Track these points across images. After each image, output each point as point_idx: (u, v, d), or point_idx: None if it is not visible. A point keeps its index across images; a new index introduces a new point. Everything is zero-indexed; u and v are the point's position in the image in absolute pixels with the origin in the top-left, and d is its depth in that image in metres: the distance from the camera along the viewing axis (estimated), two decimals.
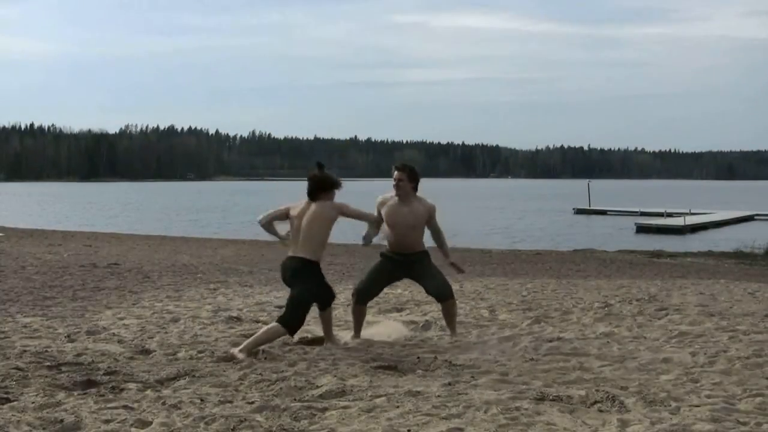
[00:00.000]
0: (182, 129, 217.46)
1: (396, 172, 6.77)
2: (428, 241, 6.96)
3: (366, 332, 7.01)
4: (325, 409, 4.60)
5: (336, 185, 6.49)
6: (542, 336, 7.06)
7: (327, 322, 6.70)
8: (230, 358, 5.93)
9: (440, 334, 7.24)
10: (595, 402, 4.74)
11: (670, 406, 4.71)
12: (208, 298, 9.56)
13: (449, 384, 5.21)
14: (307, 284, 6.31)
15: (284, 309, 6.34)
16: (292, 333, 6.33)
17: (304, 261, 6.33)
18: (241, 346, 6.12)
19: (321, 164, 6.56)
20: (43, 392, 4.91)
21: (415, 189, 6.81)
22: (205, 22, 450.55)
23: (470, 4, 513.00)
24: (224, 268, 13.71)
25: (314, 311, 8.37)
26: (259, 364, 5.81)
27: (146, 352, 6.27)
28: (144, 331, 7.18)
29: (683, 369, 5.76)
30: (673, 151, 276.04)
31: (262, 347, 6.17)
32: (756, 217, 46.56)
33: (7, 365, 5.58)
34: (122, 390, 5.01)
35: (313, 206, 6.39)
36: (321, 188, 6.44)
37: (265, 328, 6.37)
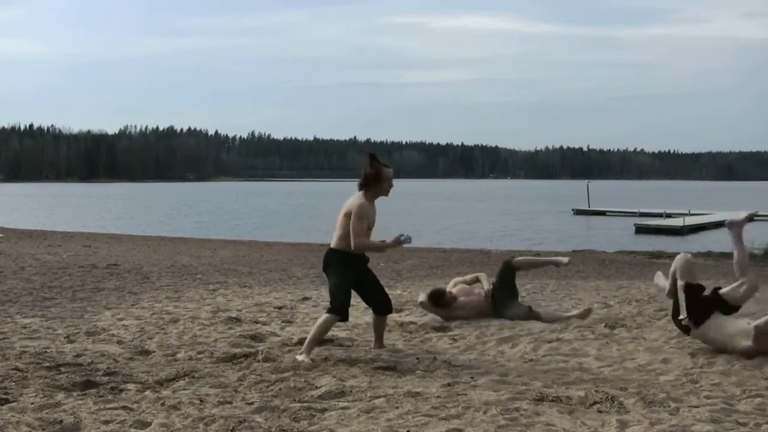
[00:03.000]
0: (181, 130, 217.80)
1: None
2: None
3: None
4: (324, 410, 4.60)
5: (366, 183, 6.16)
6: (541, 337, 7.06)
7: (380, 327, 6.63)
8: (297, 366, 5.82)
9: (440, 335, 7.24)
10: (595, 403, 4.75)
11: (670, 406, 4.72)
12: (207, 299, 9.56)
13: (448, 385, 5.22)
14: (336, 272, 6.21)
15: (330, 299, 6.29)
16: (343, 317, 6.21)
17: (331, 251, 6.27)
18: (302, 350, 6.10)
19: (371, 155, 6.27)
20: (43, 393, 4.91)
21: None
22: (204, 22, 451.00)
23: (470, 5, 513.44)
24: (223, 269, 13.71)
25: (310, 309, 8.37)
26: (258, 364, 5.82)
27: (145, 352, 6.27)
28: (143, 332, 7.18)
29: (682, 370, 5.77)
30: (672, 151, 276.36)
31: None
32: (755, 218, 46.57)
33: (6, 366, 5.59)
34: (121, 391, 5.01)
35: (350, 198, 6.26)
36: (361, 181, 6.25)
37: (317, 323, 6.29)
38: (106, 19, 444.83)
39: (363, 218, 6.11)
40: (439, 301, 8.01)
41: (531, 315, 7.94)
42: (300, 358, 6.03)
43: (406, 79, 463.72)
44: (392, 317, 8.13)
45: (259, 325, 7.68)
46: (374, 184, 6.19)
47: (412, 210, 46.68)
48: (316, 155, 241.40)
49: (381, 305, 6.48)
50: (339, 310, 6.15)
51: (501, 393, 4.98)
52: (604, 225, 40.20)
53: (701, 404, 4.78)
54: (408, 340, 7.08)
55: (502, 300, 8.15)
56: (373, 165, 6.18)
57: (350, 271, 6.22)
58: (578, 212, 50.27)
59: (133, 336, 6.99)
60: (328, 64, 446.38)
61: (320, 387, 5.11)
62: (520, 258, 8.80)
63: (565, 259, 8.75)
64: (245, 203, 66.23)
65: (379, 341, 6.61)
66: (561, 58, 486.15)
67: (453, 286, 8.39)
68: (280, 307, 8.83)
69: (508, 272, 8.39)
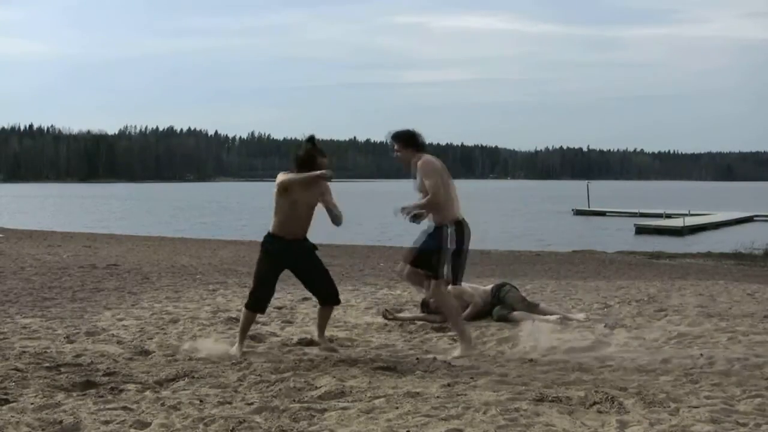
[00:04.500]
0: (181, 130, 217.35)
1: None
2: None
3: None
4: (324, 410, 4.60)
5: (297, 166, 6.21)
6: (541, 337, 7.05)
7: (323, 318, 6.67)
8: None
9: (440, 335, 7.24)
10: (595, 403, 4.74)
11: (669, 407, 4.71)
12: (207, 299, 9.56)
13: (448, 385, 5.21)
14: (258, 261, 6.38)
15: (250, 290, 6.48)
16: (258, 311, 6.36)
17: (265, 235, 6.38)
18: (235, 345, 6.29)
19: (311, 138, 6.28)
20: (42, 393, 4.91)
21: None
22: (204, 23, 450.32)
23: (470, 5, 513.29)
24: (223, 269, 13.71)
25: (310, 309, 8.36)
26: (258, 365, 5.82)
27: (145, 353, 6.27)
28: (143, 332, 7.18)
29: (682, 370, 5.77)
30: (672, 152, 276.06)
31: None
32: (755, 218, 46.57)
33: (6, 366, 5.58)
34: (121, 391, 5.01)
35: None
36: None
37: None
38: (106, 19, 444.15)
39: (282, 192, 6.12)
40: (425, 309, 8.04)
41: (501, 315, 7.98)
42: (231, 351, 6.17)
43: (406, 79, 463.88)
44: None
45: (259, 325, 7.67)
46: (304, 169, 6.17)
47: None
48: None
49: (324, 295, 6.48)
50: (252, 305, 6.28)
51: (501, 393, 4.98)
52: (604, 225, 40.22)
53: (701, 404, 4.77)
54: (408, 340, 7.08)
55: (497, 302, 8.21)
56: (308, 150, 6.20)
57: (271, 259, 6.27)
58: (578, 212, 50.31)
59: (133, 336, 6.99)
60: (328, 64, 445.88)
61: (320, 387, 5.11)
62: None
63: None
64: (247, 204, 66.17)
65: (321, 334, 6.60)
66: (561, 58, 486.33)
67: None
68: (280, 308, 8.81)
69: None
